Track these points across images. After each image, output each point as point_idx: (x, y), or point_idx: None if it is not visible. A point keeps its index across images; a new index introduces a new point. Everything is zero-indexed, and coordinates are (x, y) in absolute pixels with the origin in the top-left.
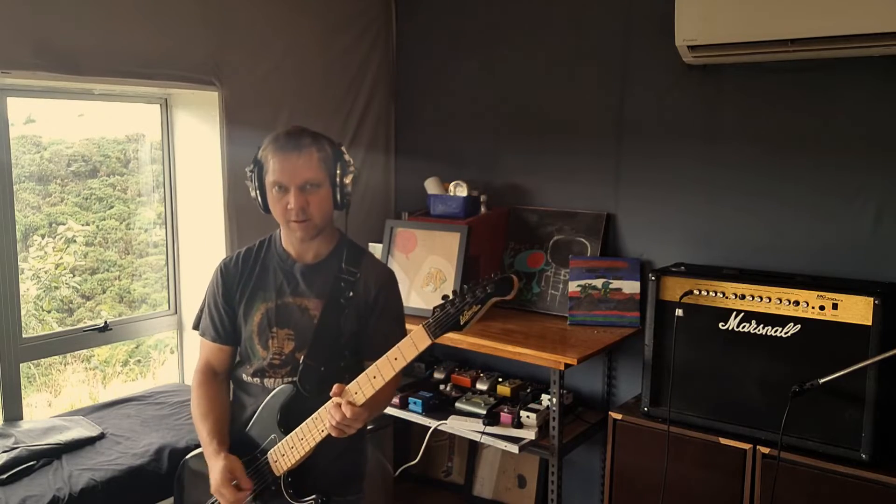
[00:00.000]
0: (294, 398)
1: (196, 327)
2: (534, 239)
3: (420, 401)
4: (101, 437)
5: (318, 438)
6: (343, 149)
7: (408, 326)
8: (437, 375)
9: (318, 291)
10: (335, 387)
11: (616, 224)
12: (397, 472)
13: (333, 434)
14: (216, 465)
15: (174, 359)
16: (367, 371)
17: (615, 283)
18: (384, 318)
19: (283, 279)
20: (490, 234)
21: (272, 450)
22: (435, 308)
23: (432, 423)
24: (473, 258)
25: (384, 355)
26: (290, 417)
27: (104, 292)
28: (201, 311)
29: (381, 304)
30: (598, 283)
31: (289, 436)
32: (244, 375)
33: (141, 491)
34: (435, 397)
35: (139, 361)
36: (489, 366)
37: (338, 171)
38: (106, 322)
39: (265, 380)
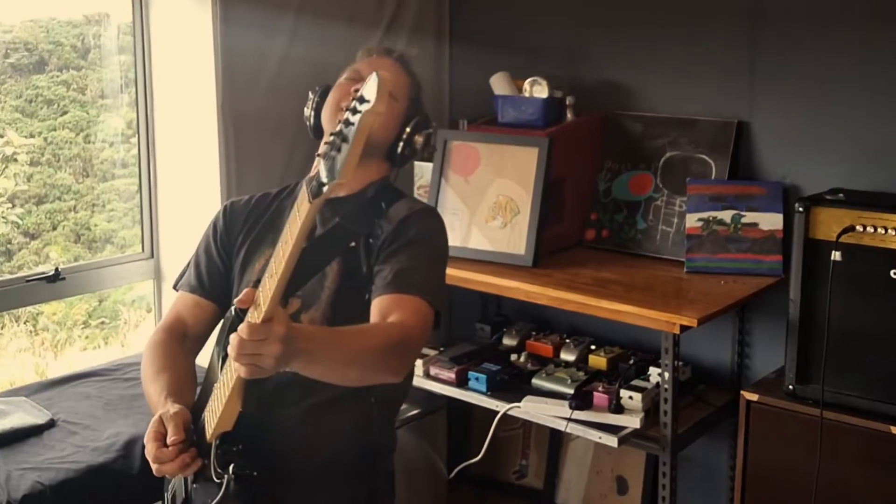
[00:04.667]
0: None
1: (177, 283)
2: (638, 156)
3: (484, 376)
4: (51, 425)
5: (232, 382)
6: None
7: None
8: (508, 342)
9: (338, 237)
10: (244, 293)
11: (750, 135)
12: (452, 473)
13: (242, 373)
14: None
15: (150, 320)
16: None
17: (749, 217)
18: (406, 248)
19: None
20: (579, 150)
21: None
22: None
23: (500, 407)
24: (556, 182)
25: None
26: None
27: (55, 229)
28: (188, 265)
29: (408, 235)
30: (726, 215)
31: (214, 385)
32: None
33: (104, 497)
34: (504, 371)
35: (103, 323)
36: (578, 328)
37: (413, 122)
38: (57, 269)
39: None
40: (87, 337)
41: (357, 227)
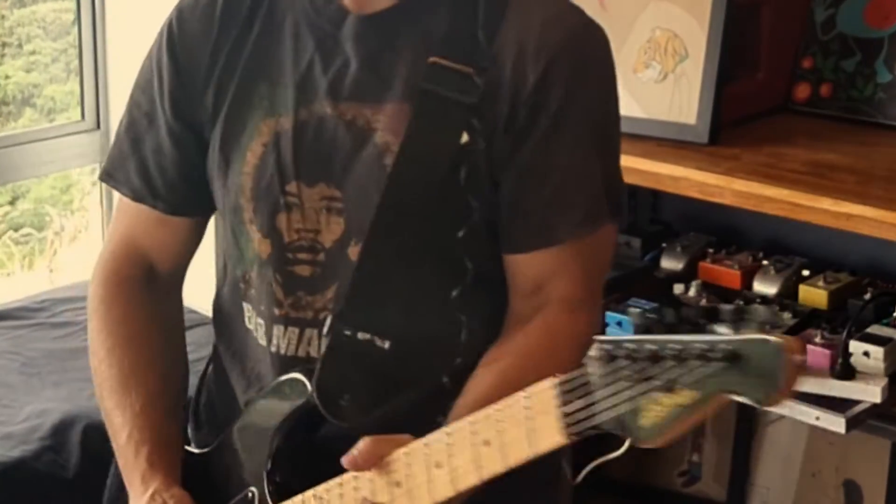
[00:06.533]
0: (313, 411)
1: (107, 175)
2: None
3: (629, 319)
4: None
5: None
6: None
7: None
8: (669, 264)
9: (401, 83)
10: (363, 446)
11: None
12: (581, 475)
13: None
14: None
15: (96, 226)
16: (431, 441)
17: None
18: (560, 133)
19: (314, 52)
20: None
21: None
22: (594, 352)
23: None
24: (748, 8)
25: (467, 424)
26: (300, 457)
27: None
28: (120, 139)
29: (562, 97)
30: None
31: None
32: (241, 307)
33: None
34: (663, 311)
35: (24, 234)
36: (781, 243)
37: None
38: None
39: (274, 327)
40: None
41: (472, 50)
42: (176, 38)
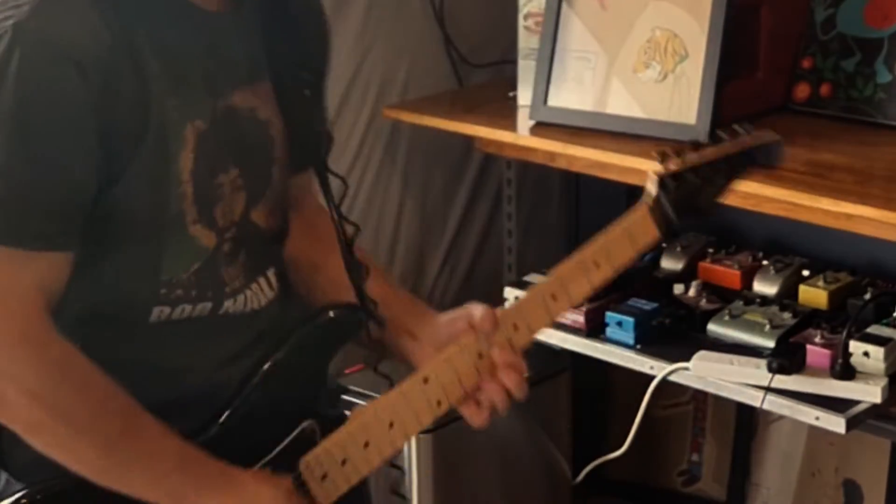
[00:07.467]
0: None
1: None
2: None
3: (631, 320)
4: None
5: (427, 422)
6: None
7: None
8: (669, 264)
9: (263, 65)
10: (481, 311)
11: None
12: (581, 475)
13: (479, 422)
14: None
15: None
16: (539, 287)
17: None
18: (326, 70)
19: (203, 56)
20: None
21: (311, 456)
22: (665, 174)
23: (657, 369)
24: (748, 8)
25: (576, 258)
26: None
27: None
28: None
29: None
30: None
31: (355, 420)
32: (148, 310)
33: None
34: (663, 312)
35: None
36: (781, 243)
37: None
38: None
39: (225, 302)
40: None
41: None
42: (89, 68)
